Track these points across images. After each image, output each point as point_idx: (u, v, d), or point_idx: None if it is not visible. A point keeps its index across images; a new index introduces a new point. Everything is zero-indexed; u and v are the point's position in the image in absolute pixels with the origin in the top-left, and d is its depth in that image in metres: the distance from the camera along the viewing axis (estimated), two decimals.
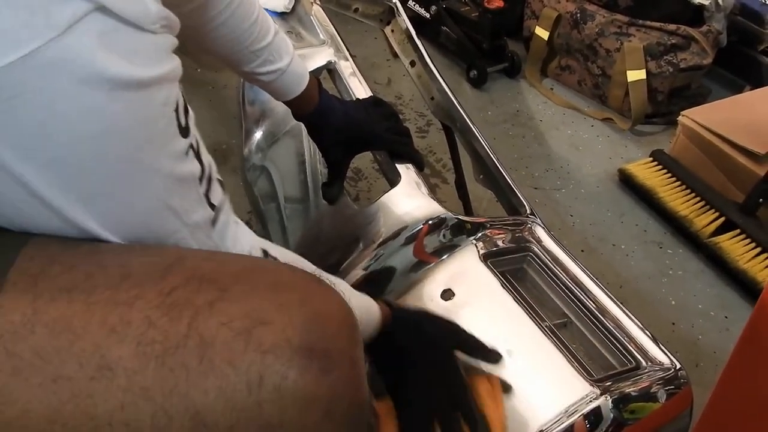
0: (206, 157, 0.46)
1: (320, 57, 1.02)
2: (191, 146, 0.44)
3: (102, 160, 0.37)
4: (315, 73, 0.92)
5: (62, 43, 0.33)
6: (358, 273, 0.78)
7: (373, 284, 0.78)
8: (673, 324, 1.16)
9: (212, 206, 0.47)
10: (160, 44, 0.39)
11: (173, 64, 0.41)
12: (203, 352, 0.35)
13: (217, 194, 0.48)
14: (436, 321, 0.67)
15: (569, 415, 0.63)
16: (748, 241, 1.24)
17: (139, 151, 0.38)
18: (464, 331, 0.67)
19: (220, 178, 0.49)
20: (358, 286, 0.78)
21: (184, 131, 0.42)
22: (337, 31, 1.06)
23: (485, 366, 0.67)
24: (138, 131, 0.38)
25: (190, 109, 0.44)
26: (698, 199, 1.34)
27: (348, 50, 1.04)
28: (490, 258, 0.78)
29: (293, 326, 0.37)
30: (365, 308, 0.60)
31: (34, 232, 0.38)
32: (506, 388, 0.66)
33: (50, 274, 0.36)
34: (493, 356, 0.67)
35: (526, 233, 0.83)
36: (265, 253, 0.53)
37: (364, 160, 1.37)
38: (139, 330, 0.35)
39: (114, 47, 0.35)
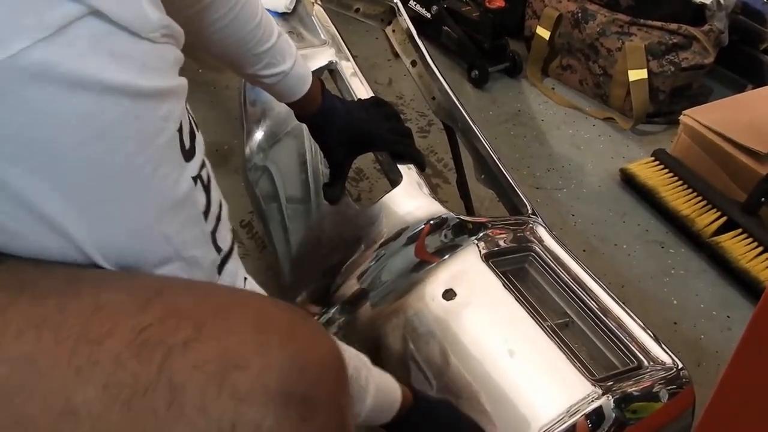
0: (217, 195, 0.44)
1: (321, 57, 1.02)
2: (199, 176, 0.42)
3: (91, 167, 0.35)
4: (316, 74, 0.92)
5: (51, 46, 0.31)
6: (359, 273, 0.78)
7: (374, 285, 0.78)
8: (675, 323, 1.16)
9: (218, 249, 0.45)
10: (162, 55, 0.38)
11: (178, 81, 0.39)
12: (173, 398, 0.33)
13: (226, 239, 0.46)
14: (457, 414, 0.65)
15: (571, 415, 0.63)
16: (750, 240, 1.24)
17: (131, 163, 0.37)
18: (482, 429, 0.65)
19: (231, 226, 0.47)
20: (360, 287, 0.78)
21: (188, 154, 0.41)
22: (338, 31, 1.06)
23: (487, 366, 0.67)
24: (132, 141, 0.36)
25: (198, 133, 0.42)
26: (700, 198, 1.33)
27: (349, 50, 1.04)
28: (492, 258, 0.78)
29: (271, 370, 0.35)
30: (387, 389, 0.59)
31: (19, 248, 0.36)
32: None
33: (20, 306, 0.35)
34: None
35: (528, 233, 0.83)
36: None
37: (365, 161, 1.37)
38: (107, 371, 0.33)
39: (107, 52, 0.34)
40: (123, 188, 0.37)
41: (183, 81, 0.40)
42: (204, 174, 0.43)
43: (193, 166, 0.42)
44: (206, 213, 0.43)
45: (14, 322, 0.34)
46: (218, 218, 0.45)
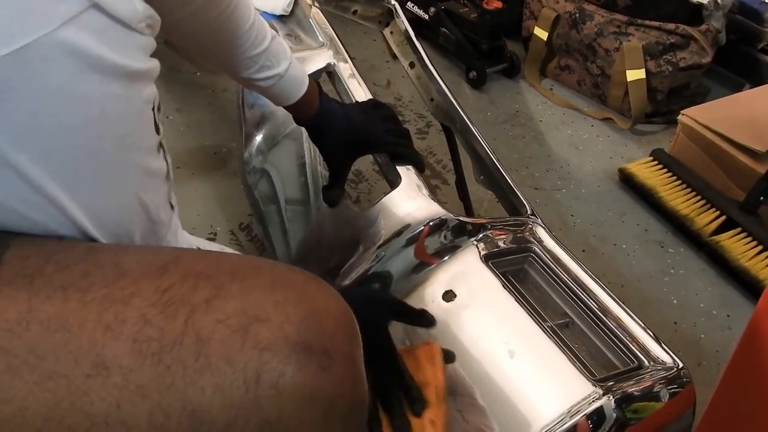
0: (169, 158, 0.48)
1: (319, 59, 1.02)
2: (161, 143, 0.46)
3: (90, 149, 0.38)
4: (314, 76, 0.92)
5: (59, 37, 0.34)
6: (359, 275, 0.78)
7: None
8: (675, 323, 1.16)
9: (171, 206, 0.49)
10: (144, 44, 0.41)
11: (154, 64, 0.43)
12: (200, 350, 0.35)
13: (173, 197, 0.50)
14: (368, 295, 0.66)
15: (572, 415, 0.63)
16: (749, 239, 1.24)
17: (123, 143, 0.40)
18: (396, 299, 0.65)
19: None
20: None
21: (157, 128, 0.44)
22: (336, 33, 1.06)
23: (487, 367, 0.67)
24: (124, 123, 0.40)
25: (161, 106, 0.47)
26: (699, 197, 1.34)
27: (347, 52, 1.04)
28: (492, 259, 0.78)
29: (291, 323, 0.36)
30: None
31: (28, 228, 0.38)
32: (448, 356, 0.65)
33: (46, 273, 0.36)
34: (427, 320, 0.65)
35: (527, 234, 0.83)
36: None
37: (364, 162, 1.37)
38: (135, 328, 0.35)
39: (107, 42, 0.37)
40: (114, 166, 0.40)
41: (157, 63, 0.43)
42: (162, 140, 0.46)
43: (159, 136, 0.46)
44: (167, 176, 0.47)
45: (42, 289, 0.35)
46: (171, 179, 0.49)
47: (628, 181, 1.45)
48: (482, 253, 0.78)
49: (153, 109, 0.44)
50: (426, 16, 1.80)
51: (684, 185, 1.37)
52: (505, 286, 0.74)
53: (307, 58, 1.01)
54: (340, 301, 0.41)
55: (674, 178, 1.39)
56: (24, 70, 0.33)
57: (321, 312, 0.38)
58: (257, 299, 0.37)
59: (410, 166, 0.87)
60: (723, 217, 1.28)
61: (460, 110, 0.98)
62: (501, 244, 0.81)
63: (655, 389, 0.67)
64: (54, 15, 0.33)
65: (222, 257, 0.42)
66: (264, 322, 0.36)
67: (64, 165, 0.37)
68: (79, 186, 0.39)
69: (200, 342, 0.35)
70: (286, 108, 0.77)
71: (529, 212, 0.88)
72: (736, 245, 1.24)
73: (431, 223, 0.79)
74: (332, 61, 1.02)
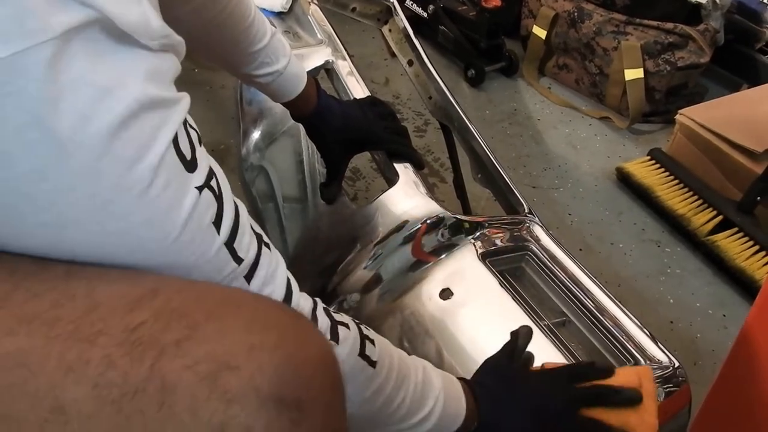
0: (230, 204, 0.42)
1: (318, 57, 1.02)
2: (207, 185, 0.39)
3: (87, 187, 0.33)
4: (312, 73, 0.92)
5: (57, 46, 0.30)
6: (359, 273, 0.78)
7: (372, 284, 0.78)
8: (672, 322, 1.16)
9: (238, 260, 0.42)
10: (160, 66, 0.36)
11: (178, 94, 0.37)
12: (163, 399, 0.32)
13: (250, 247, 0.43)
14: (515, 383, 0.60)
15: None
16: (745, 239, 1.24)
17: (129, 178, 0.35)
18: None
19: (259, 231, 0.45)
20: (362, 286, 0.78)
21: (191, 165, 0.38)
22: (334, 30, 1.06)
23: None
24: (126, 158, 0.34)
25: (200, 143, 0.40)
26: (696, 197, 1.34)
27: (346, 50, 1.04)
28: (489, 257, 0.78)
29: (262, 372, 0.34)
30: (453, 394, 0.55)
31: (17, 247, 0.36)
32: None
33: (13, 302, 0.34)
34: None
35: (525, 232, 0.83)
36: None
37: (362, 160, 1.37)
38: (98, 370, 0.32)
39: (108, 61, 0.33)
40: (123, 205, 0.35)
41: (184, 97, 0.38)
42: (213, 183, 0.40)
43: (198, 177, 0.39)
44: (217, 224, 0.40)
45: (6, 321, 0.33)
46: (234, 227, 0.42)
47: (625, 181, 1.45)
48: (479, 251, 0.78)
49: (174, 142, 0.38)
50: (425, 14, 1.80)
51: (681, 185, 1.37)
52: (502, 285, 0.74)
53: (305, 55, 1.01)
54: (323, 343, 0.38)
55: (671, 177, 1.39)
56: (11, 78, 0.30)
57: (298, 358, 0.36)
58: (230, 343, 0.34)
59: (408, 164, 0.87)
60: (720, 217, 1.28)
61: (458, 108, 0.98)
62: (498, 242, 0.81)
63: None
64: (53, 25, 0.30)
65: (205, 290, 0.39)
66: (234, 370, 0.33)
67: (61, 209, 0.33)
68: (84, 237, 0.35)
69: (165, 390, 0.33)
70: (285, 104, 0.77)
71: (526, 211, 0.88)
72: (733, 245, 1.24)
73: (428, 221, 0.79)
74: (330, 58, 1.02)
